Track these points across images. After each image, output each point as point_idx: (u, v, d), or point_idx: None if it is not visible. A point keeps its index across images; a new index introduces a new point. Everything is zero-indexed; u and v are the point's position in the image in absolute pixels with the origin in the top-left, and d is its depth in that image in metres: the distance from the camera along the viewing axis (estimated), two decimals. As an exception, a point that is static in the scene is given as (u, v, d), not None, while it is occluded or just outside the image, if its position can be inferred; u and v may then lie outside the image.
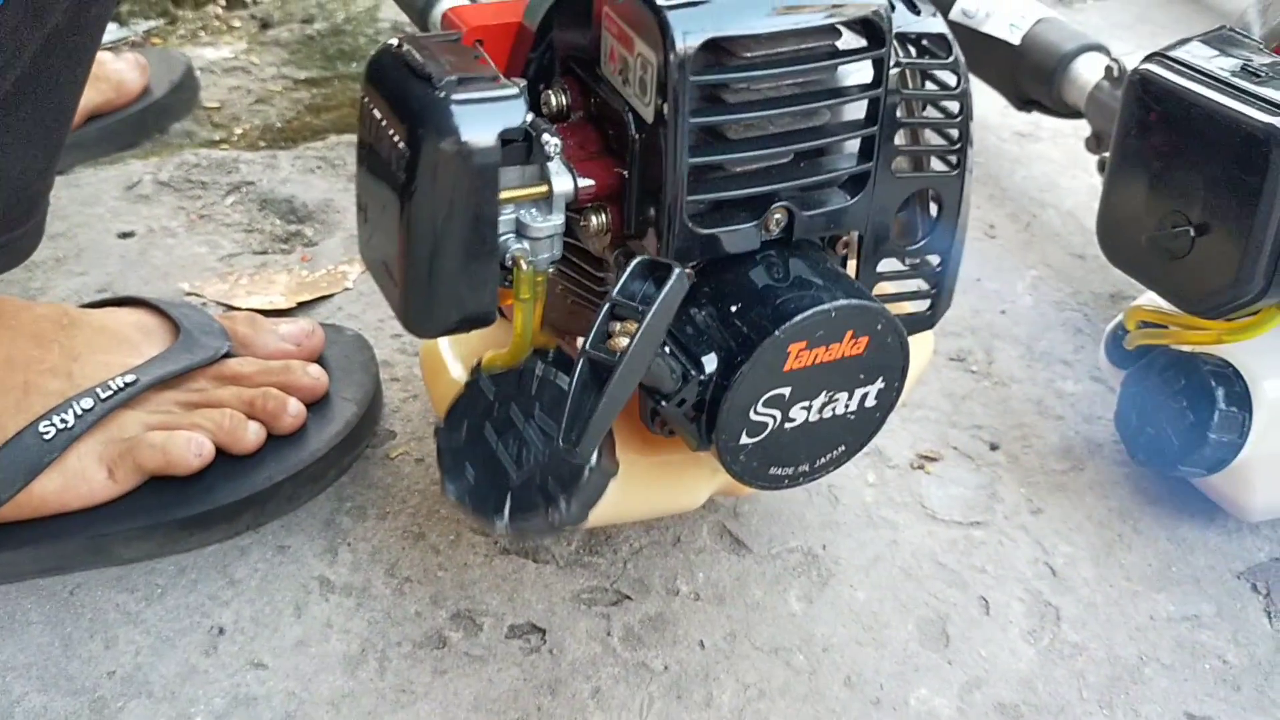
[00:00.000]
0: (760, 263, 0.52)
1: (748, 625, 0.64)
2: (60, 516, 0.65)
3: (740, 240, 0.52)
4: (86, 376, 0.66)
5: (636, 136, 0.50)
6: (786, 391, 0.51)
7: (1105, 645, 0.65)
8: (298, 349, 0.74)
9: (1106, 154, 0.76)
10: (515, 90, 0.48)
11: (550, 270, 0.52)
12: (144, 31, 1.27)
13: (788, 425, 0.52)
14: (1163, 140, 0.60)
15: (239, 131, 1.07)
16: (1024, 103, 0.96)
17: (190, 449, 0.65)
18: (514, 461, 0.52)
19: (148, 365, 0.68)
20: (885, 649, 0.64)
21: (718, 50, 0.49)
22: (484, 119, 0.47)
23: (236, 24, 1.29)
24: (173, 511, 0.66)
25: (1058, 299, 0.90)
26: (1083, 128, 0.93)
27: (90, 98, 0.98)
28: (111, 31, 1.26)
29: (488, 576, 0.66)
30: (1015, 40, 0.94)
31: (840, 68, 0.52)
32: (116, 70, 1.01)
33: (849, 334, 0.50)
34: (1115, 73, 0.86)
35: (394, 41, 0.50)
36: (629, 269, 0.48)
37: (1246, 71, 0.58)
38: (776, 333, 0.49)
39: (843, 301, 0.50)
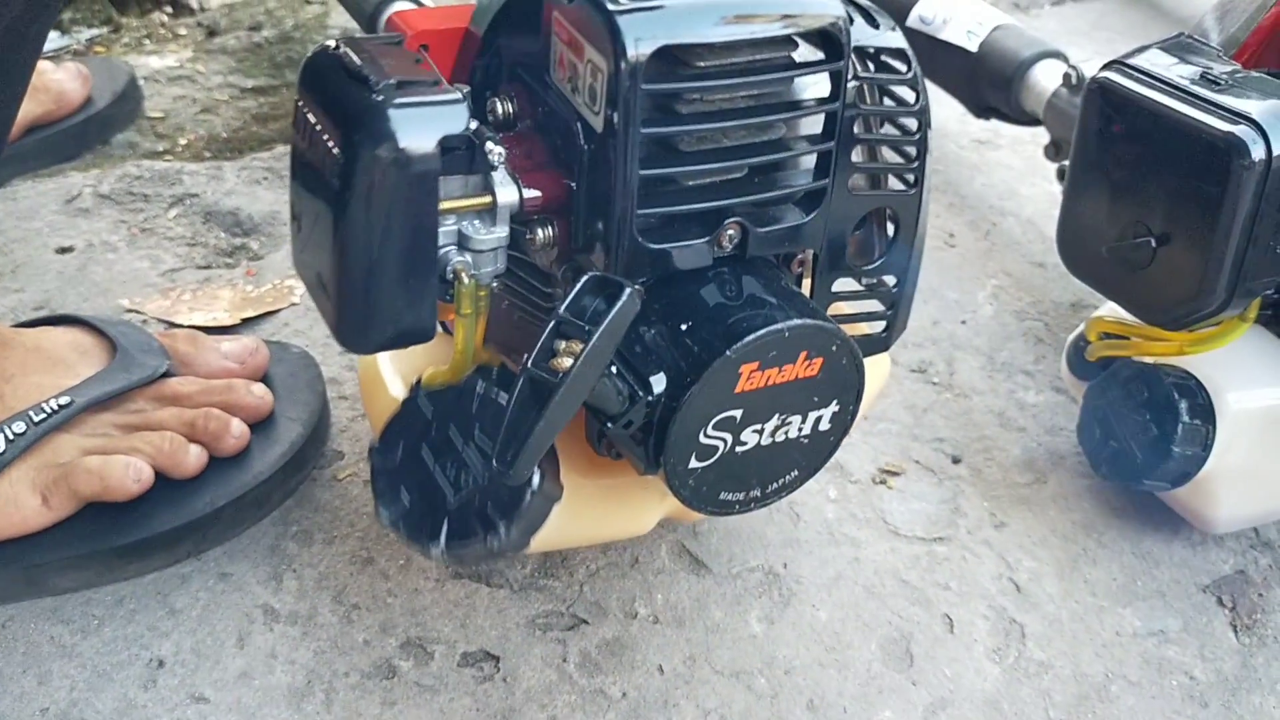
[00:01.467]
0: (712, 279, 0.50)
1: (708, 648, 0.63)
2: (-10, 546, 0.62)
3: (692, 256, 0.50)
4: (19, 399, 0.63)
5: (585, 147, 0.49)
6: (738, 414, 0.49)
7: (1071, 662, 0.64)
8: (241, 367, 0.71)
9: (1066, 162, 0.76)
10: (458, 95, 0.46)
11: (494, 284, 0.50)
12: (87, 40, 1.24)
13: (739, 449, 0.50)
14: (1123, 149, 0.59)
15: (183, 142, 1.04)
16: (983, 110, 0.95)
17: (128, 474, 0.63)
18: (451, 485, 0.50)
19: (83, 386, 0.65)
20: (848, 670, 0.62)
21: (670, 59, 0.47)
22: (424, 124, 0.45)
23: (183, 32, 1.26)
24: (110, 539, 0.63)
25: (1018, 308, 0.89)
26: (1042, 134, 0.92)
27: (30, 109, 0.95)
28: (53, 40, 1.23)
29: (439, 602, 0.64)
30: (973, 47, 0.93)
31: (797, 80, 0.50)
32: (57, 80, 0.98)
33: (803, 355, 0.49)
34: (1073, 80, 0.85)
35: (331, 43, 0.48)
36: (578, 285, 0.46)
37: (1206, 79, 0.57)
38: (728, 352, 0.47)
39: (797, 321, 0.48)
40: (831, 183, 0.52)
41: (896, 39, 0.52)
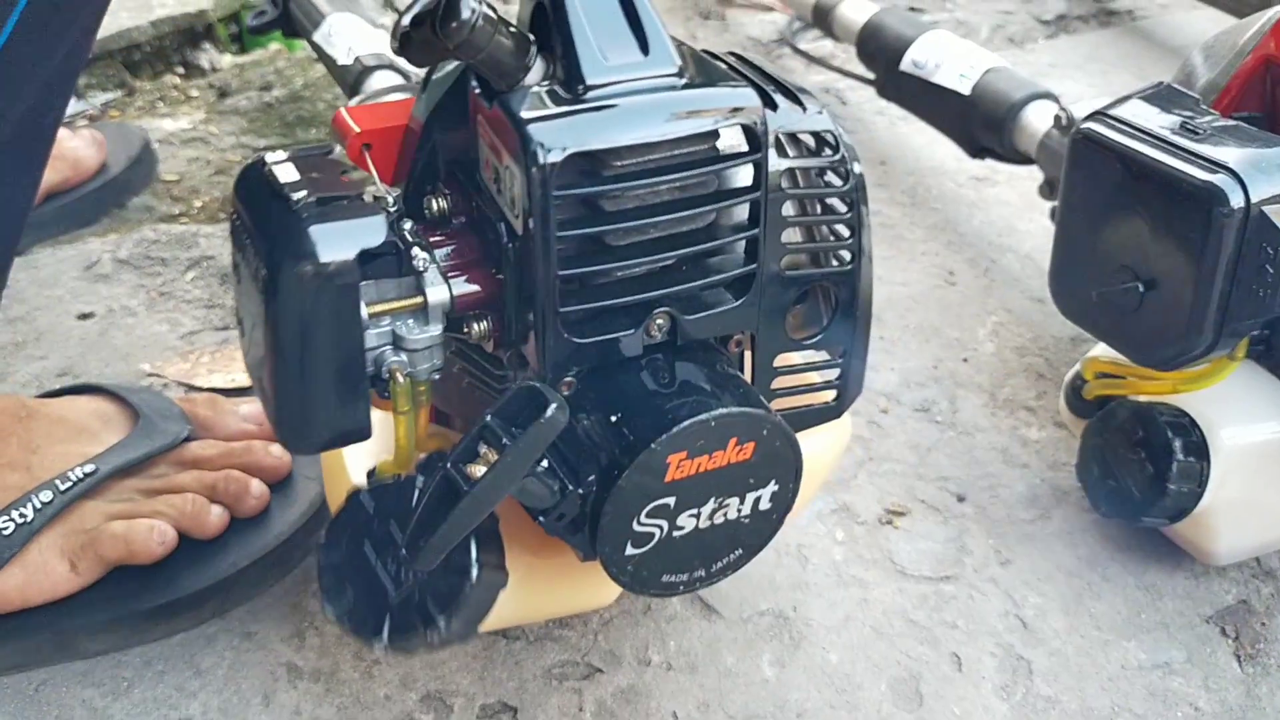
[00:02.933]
0: (646, 367, 0.51)
1: (720, 694, 0.64)
2: (22, 612, 0.64)
3: (621, 348, 0.51)
4: (45, 468, 0.65)
5: (509, 246, 0.49)
6: (671, 501, 0.49)
7: (1078, 697, 0.65)
8: (259, 429, 0.73)
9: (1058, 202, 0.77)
10: (375, 209, 0.47)
11: (435, 377, 0.51)
12: (102, 104, 1.27)
13: (676, 534, 0.50)
14: (1107, 198, 0.60)
15: (198, 204, 1.07)
16: (977, 150, 0.97)
17: (153, 537, 0.65)
18: (392, 580, 0.50)
19: (107, 454, 0.67)
20: (859, 712, 0.64)
21: (589, 159, 0.48)
22: (341, 239, 0.46)
23: (194, 93, 1.29)
24: (137, 602, 0.65)
25: (1019, 344, 0.91)
26: (1038, 171, 0.94)
27: (48, 177, 0.97)
28: (69, 105, 1.26)
29: (457, 655, 0.65)
30: (965, 90, 0.95)
31: (721, 171, 0.51)
32: (73, 148, 1.01)
33: (733, 441, 0.49)
34: (1064, 121, 0.87)
35: (261, 158, 0.50)
36: (510, 393, 0.47)
37: (1186, 129, 0.58)
38: (653, 445, 0.47)
39: (721, 411, 0.48)
40: (760, 267, 0.52)
41: (822, 122, 0.53)
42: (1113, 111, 0.61)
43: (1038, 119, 0.90)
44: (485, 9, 0.45)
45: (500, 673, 0.64)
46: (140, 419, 0.70)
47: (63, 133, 1.01)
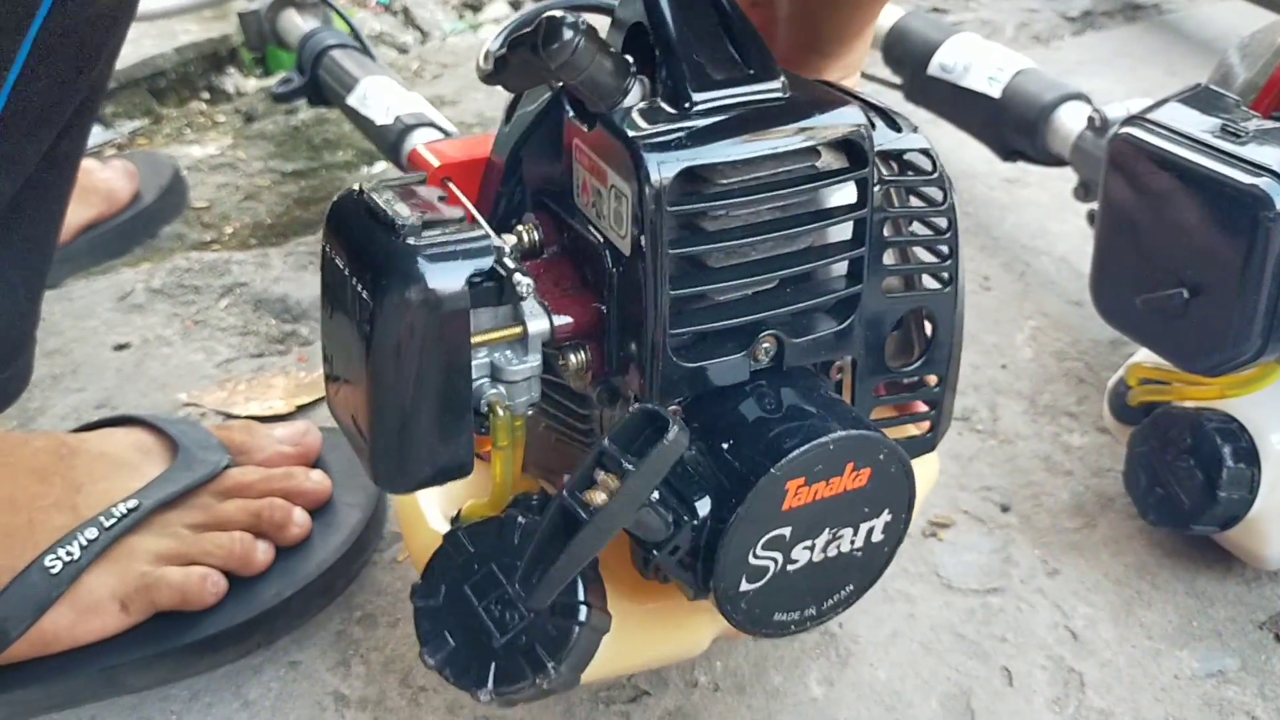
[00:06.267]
0: (751, 394, 0.50)
1: (769, 714, 0.64)
2: (69, 650, 0.64)
3: (728, 372, 0.50)
4: (90, 506, 0.66)
5: (614, 270, 0.49)
6: (787, 531, 0.48)
7: (1132, 709, 0.64)
8: (296, 450, 0.73)
9: (1095, 204, 0.77)
10: (483, 232, 0.46)
11: (530, 412, 0.50)
12: (129, 132, 1.28)
13: (790, 567, 0.49)
14: (1149, 204, 0.60)
15: (229, 230, 1.07)
16: (1009, 154, 0.96)
17: (207, 587, 0.65)
18: (496, 624, 0.49)
19: (149, 488, 0.67)
20: (910, 729, 0.63)
21: (694, 178, 0.47)
22: (450, 265, 0.45)
23: (221, 119, 1.29)
24: (182, 636, 0.65)
25: (1058, 349, 0.90)
26: (1069, 171, 0.93)
27: (81, 212, 0.98)
28: (97, 134, 1.27)
29: (504, 681, 0.65)
30: (995, 93, 0.94)
31: (823, 189, 0.50)
32: (105, 180, 1.01)
33: (849, 466, 0.48)
34: (1097, 122, 0.86)
35: (355, 186, 0.49)
36: (627, 416, 0.45)
37: (1227, 132, 0.58)
38: (772, 470, 0.46)
39: (840, 433, 0.47)
40: (864, 288, 0.51)
41: (918, 140, 0.52)
42: (1151, 115, 0.61)
43: (1070, 120, 0.90)
44: (586, 29, 0.45)
45: (548, 698, 0.64)
46: (180, 450, 0.70)
47: (93, 164, 1.01)
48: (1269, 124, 0.59)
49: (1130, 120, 0.61)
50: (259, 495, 0.70)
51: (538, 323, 0.48)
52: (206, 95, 1.36)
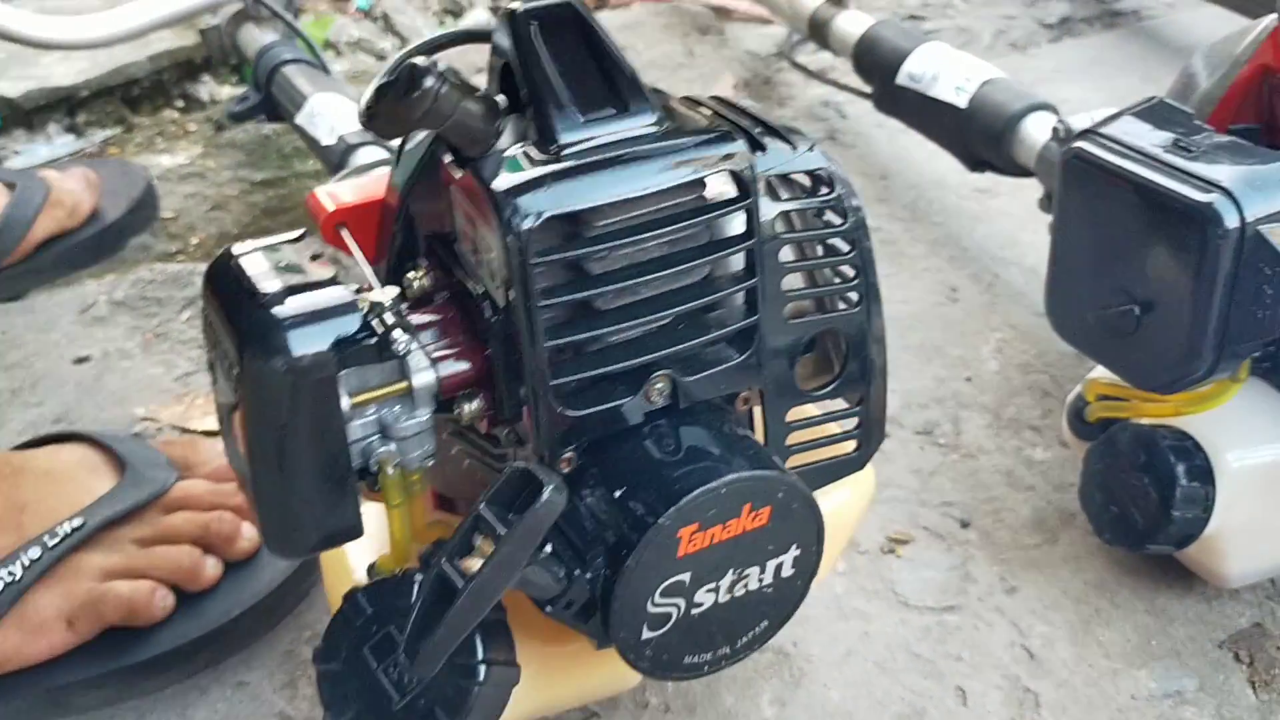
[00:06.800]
0: (648, 435, 0.48)
1: (720, 735, 0.63)
2: (15, 670, 0.63)
3: (620, 417, 0.48)
4: (35, 525, 0.65)
5: (493, 319, 0.47)
6: (686, 577, 0.47)
7: (1088, 729, 0.63)
8: None
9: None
10: (346, 296, 0.45)
11: (429, 464, 0.49)
12: (101, 141, 1.27)
13: (695, 611, 0.48)
14: (1100, 220, 0.59)
15: (195, 241, 1.06)
16: (976, 164, 0.96)
17: (155, 601, 0.64)
18: (395, 686, 0.47)
19: (96, 506, 0.67)
20: (862, 751, 0.62)
21: (570, 220, 0.46)
22: (313, 330, 0.44)
23: (193, 128, 1.29)
24: (129, 656, 0.64)
25: (1024, 361, 0.89)
26: (1038, 183, 0.93)
27: (45, 225, 0.97)
28: (68, 143, 1.27)
29: (452, 702, 0.64)
30: (962, 103, 0.93)
31: (713, 220, 0.49)
32: (70, 192, 1.00)
33: (746, 508, 0.47)
34: (1062, 133, 0.85)
35: (231, 249, 0.48)
36: (501, 478, 0.44)
37: (1179, 147, 0.57)
38: (661, 520, 0.45)
39: (732, 476, 0.46)
40: (761, 317, 0.50)
41: (814, 160, 0.50)
42: (1104, 129, 0.60)
43: (1036, 131, 0.89)
44: (449, 76, 0.44)
45: (495, 719, 0.63)
46: (127, 468, 0.69)
47: (54, 174, 1.00)
48: (1222, 138, 0.58)
49: (1083, 134, 0.60)
50: (206, 509, 0.69)
51: (423, 377, 0.47)
52: (180, 103, 1.35)
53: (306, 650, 0.67)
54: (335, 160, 0.94)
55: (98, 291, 0.97)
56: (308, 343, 0.44)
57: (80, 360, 0.90)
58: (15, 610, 0.62)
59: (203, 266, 1.00)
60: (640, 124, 0.47)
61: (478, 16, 1.61)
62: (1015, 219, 1.06)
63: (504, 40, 0.48)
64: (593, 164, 0.46)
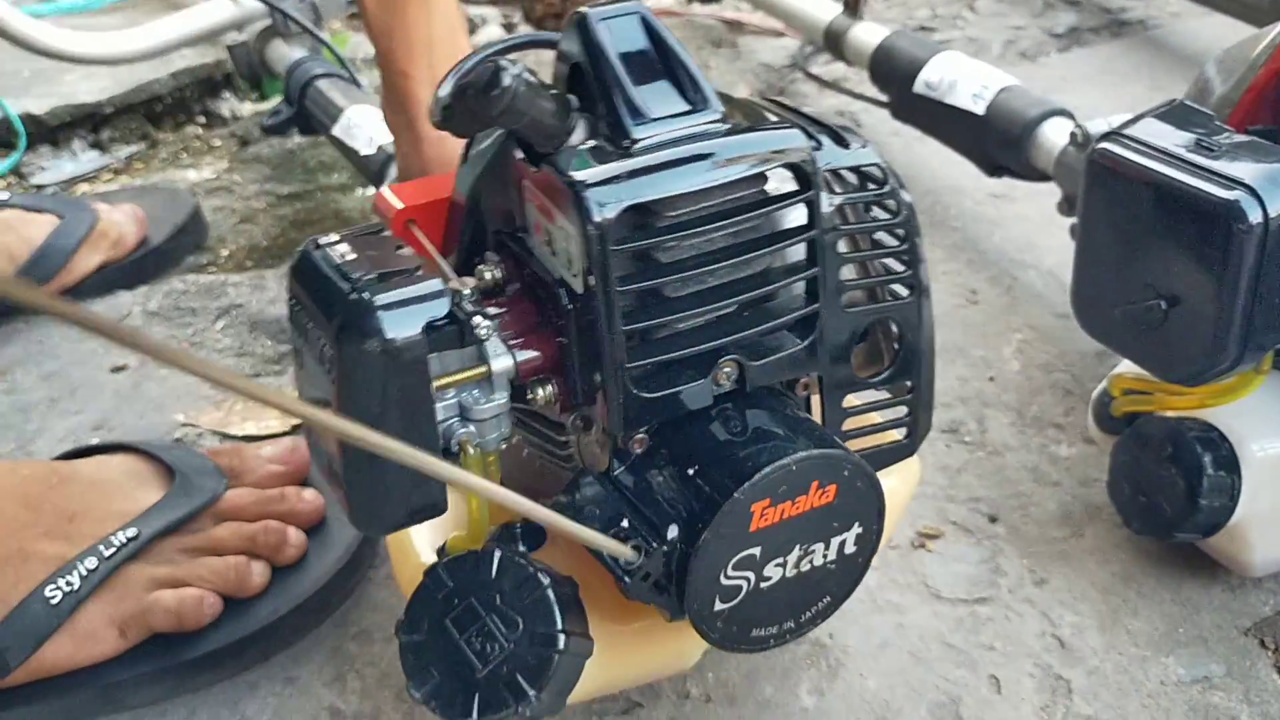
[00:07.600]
0: (716, 417, 0.51)
1: (760, 724, 0.64)
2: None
3: (691, 399, 0.51)
4: (84, 534, 0.66)
5: (570, 307, 0.50)
6: (757, 551, 0.49)
7: (1118, 715, 0.65)
8: (287, 468, 0.74)
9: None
10: (436, 280, 0.47)
11: (503, 447, 0.51)
12: (126, 157, 1.29)
13: (764, 585, 0.50)
14: (1125, 218, 0.61)
15: (225, 253, 1.08)
16: (994, 169, 0.98)
17: (203, 609, 0.66)
18: (478, 656, 0.50)
19: (148, 516, 0.68)
20: (899, 738, 0.64)
21: (641, 212, 0.48)
22: (405, 314, 0.46)
23: (217, 143, 1.31)
24: (180, 654, 0.66)
25: (1045, 361, 0.91)
26: (1055, 187, 0.94)
27: (88, 256, 0.99)
28: (93, 159, 1.28)
29: (498, 695, 0.66)
30: (980, 110, 0.95)
31: (774, 213, 0.51)
32: (116, 224, 1.01)
33: (814, 485, 0.49)
34: (1079, 137, 0.87)
35: (315, 240, 0.50)
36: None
37: (1201, 146, 0.59)
38: (736, 494, 0.47)
39: (802, 454, 0.48)
40: (822, 306, 0.52)
41: (868, 155, 0.53)
42: (1127, 131, 0.62)
43: (1054, 136, 0.91)
44: (525, 75, 0.46)
45: None
46: (176, 477, 0.70)
47: (104, 208, 1.02)
48: (1242, 138, 0.60)
49: (1107, 136, 0.62)
50: (254, 518, 0.70)
51: (501, 361, 0.50)
52: (203, 119, 1.37)
53: (353, 647, 0.69)
54: (375, 169, 0.96)
55: (132, 302, 0.99)
56: (402, 326, 0.46)
57: (118, 369, 0.92)
58: (68, 620, 0.64)
59: (235, 278, 1.02)
60: (706, 120, 0.50)
61: (490, 33, 1.63)
62: (1032, 223, 1.08)
63: (573, 43, 0.50)
64: (663, 157, 0.48)
